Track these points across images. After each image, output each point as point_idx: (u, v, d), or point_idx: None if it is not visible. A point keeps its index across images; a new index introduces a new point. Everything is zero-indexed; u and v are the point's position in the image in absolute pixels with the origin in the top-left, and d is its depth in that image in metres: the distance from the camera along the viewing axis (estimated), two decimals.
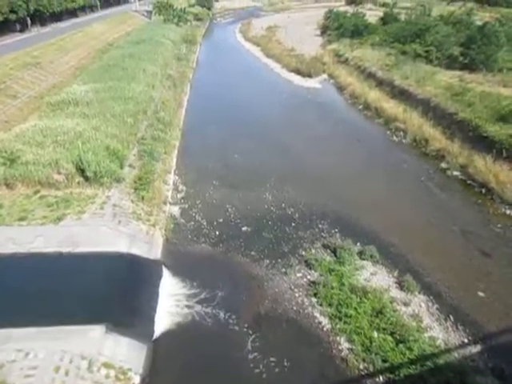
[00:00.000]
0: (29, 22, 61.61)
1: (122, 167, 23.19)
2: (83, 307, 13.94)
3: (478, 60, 40.37)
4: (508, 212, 22.19)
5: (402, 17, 69.32)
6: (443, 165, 27.62)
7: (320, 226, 21.27)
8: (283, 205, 23.12)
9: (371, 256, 18.57)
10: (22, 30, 60.49)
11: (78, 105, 30.45)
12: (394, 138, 32.98)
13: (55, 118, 27.97)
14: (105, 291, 14.90)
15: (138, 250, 17.76)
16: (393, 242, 19.78)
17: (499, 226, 21.15)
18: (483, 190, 24.23)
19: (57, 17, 72.14)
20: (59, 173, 21.31)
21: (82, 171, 21.24)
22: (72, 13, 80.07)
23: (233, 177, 26.35)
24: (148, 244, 18.57)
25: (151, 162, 24.96)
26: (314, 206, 22.91)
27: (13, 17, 56.58)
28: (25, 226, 17.97)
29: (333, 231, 20.78)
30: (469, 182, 25.42)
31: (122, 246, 17.46)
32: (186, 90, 45.44)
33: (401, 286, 16.96)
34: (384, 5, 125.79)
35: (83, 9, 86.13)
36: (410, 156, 29.80)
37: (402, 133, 33.09)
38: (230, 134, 33.86)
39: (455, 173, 26.54)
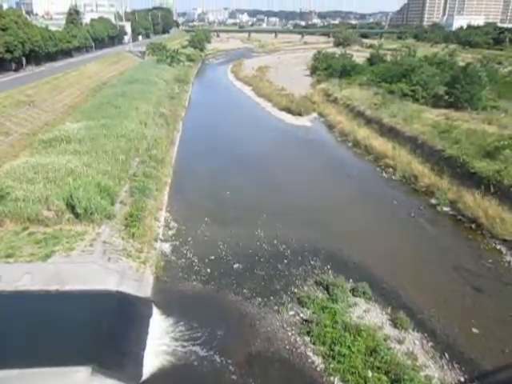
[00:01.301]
0: (24, 61, 62.59)
1: (112, 204, 23.07)
2: (69, 347, 13.49)
3: (462, 99, 41.68)
4: (498, 247, 22.30)
5: (388, 58, 71.92)
6: (433, 200, 27.91)
7: (312, 262, 21.12)
8: (275, 241, 23.01)
9: (364, 293, 18.40)
10: (16, 69, 61.33)
11: (70, 142, 30.58)
12: (384, 174, 33.42)
13: (47, 154, 28.01)
14: (92, 330, 14.48)
15: (128, 287, 17.41)
16: (385, 279, 19.65)
17: (490, 261, 21.19)
18: (473, 225, 24.42)
19: (52, 56, 73.48)
20: (49, 209, 21.13)
21: (72, 208, 21.08)
22: (67, 53, 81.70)
23: (224, 213, 26.30)
24: (138, 282, 18.23)
25: (142, 198, 24.89)
26: (305, 243, 22.83)
27: (8, 56, 57.53)
28: (12, 263, 17.61)
29: (325, 268, 20.62)
30: (459, 217, 25.64)
31: (110, 284, 17.13)
32: (178, 128, 45.98)
33: (394, 323, 16.72)
34: (370, 46, 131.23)
35: (78, 49, 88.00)
36: (400, 192, 30.11)
37: (391, 169, 33.57)
38: (221, 171, 34.05)
39: (445, 208, 26.79)
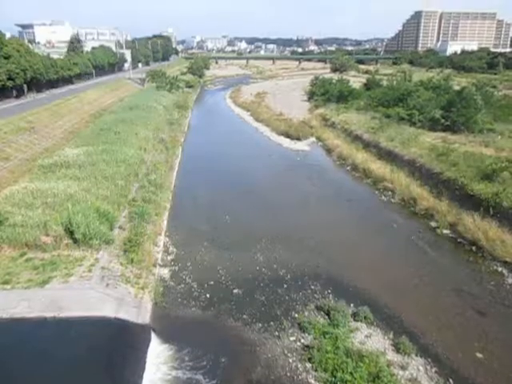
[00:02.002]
0: (25, 88, 63.40)
1: (111, 229, 23.00)
2: (65, 376, 13.22)
3: (458, 122, 42.14)
4: (500, 269, 22.13)
5: (384, 83, 72.96)
6: (432, 223, 27.84)
7: (312, 287, 20.92)
8: (275, 266, 22.84)
9: (365, 317, 18.16)
10: (18, 96, 62.05)
11: (69, 167, 30.73)
12: (383, 197, 33.43)
13: (46, 180, 28.08)
14: (89, 359, 14.21)
15: (126, 314, 17.17)
16: (386, 303, 19.43)
17: (492, 283, 21.01)
18: (474, 248, 24.31)
19: (53, 83, 74.46)
20: (47, 235, 21.03)
21: (71, 233, 20.99)
22: (68, 80, 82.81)
23: (224, 238, 26.18)
24: (136, 308, 17.97)
25: (141, 223, 24.80)
26: (305, 267, 22.65)
27: (10, 84, 58.29)
28: (8, 290, 17.41)
29: (325, 292, 20.41)
30: (459, 239, 25.54)
31: (108, 311, 16.90)
32: (177, 153, 46.21)
33: (397, 348, 16.44)
34: (367, 72, 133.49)
35: (79, 76, 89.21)
36: (399, 215, 30.07)
37: (390, 192, 33.62)
38: (220, 195, 34.09)
39: (445, 231, 26.71)
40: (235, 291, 20.60)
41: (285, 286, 21.01)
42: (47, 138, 43.03)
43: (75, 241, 20.90)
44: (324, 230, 27.67)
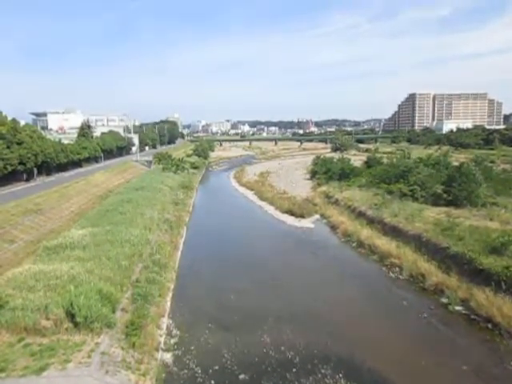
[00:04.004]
0: (35, 171, 65.32)
1: (114, 311, 22.39)
2: None
3: (460, 196, 42.51)
4: None
5: (385, 160, 74.86)
6: (443, 299, 27.01)
7: (323, 370, 19.83)
8: (282, 348, 21.86)
9: None
10: (28, 180, 63.75)
11: (74, 248, 30.64)
12: (391, 274, 32.76)
13: (50, 261, 27.90)
14: None
15: None
16: None
17: None
18: (489, 325, 23.32)
19: (62, 167, 76.75)
20: (47, 318, 20.43)
21: (72, 316, 20.42)
22: (77, 163, 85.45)
23: (229, 319, 25.39)
24: None
25: (145, 305, 24.21)
26: (314, 349, 21.68)
27: (21, 168, 60.17)
28: (3, 379, 16.56)
29: (337, 376, 19.31)
30: (472, 316, 24.59)
31: None
32: (182, 233, 46.32)
33: None
34: (367, 150, 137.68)
35: (88, 159, 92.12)
36: (408, 292, 29.28)
37: (397, 268, 32.99)
38: (225, 274, 33.59)
39: (457, 307, 25.82)
40: (241, 376, 19.56)
41: (293, 369, 19.97)
42: (54, 220, 43.48)
43: (76, 324, 20.25)
44: (332, 308, 26.86)
